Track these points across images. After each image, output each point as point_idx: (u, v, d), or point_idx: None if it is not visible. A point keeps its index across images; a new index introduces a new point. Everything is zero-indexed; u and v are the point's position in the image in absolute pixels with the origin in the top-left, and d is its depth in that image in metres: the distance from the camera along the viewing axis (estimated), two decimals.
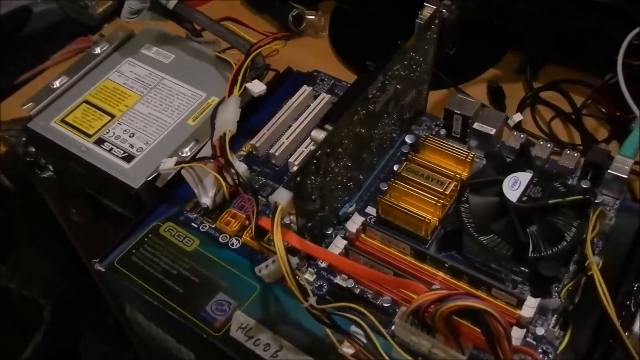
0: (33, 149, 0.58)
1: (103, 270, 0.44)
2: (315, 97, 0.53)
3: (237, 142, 0.50)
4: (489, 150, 0.46)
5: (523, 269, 0.40)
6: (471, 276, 0.40)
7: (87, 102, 0.54)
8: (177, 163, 0.44)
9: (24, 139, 0.58)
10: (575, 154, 0.45)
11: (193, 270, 0.44)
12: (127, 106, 0.53)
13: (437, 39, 0.46)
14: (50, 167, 0.57)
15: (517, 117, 0.55)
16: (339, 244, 0.42)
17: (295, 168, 0.37)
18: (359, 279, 0.40)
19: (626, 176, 0.42)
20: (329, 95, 0.53)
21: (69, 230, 0.64)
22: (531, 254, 0.39)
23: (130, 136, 0.51)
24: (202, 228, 0.46)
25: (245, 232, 0.45)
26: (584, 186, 0.42)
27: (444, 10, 0.44)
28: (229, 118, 0.44)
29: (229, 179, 0.44)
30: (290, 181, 0.37)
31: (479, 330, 0.34)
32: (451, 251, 0.43)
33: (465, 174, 0.45)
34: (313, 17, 0.70)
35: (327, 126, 0.38)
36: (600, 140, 0.58)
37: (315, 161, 0.37)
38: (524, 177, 0.41)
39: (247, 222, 0.45)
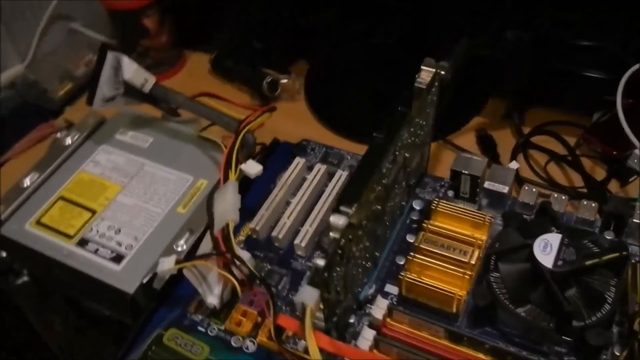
0: (4, 254, 0.53)
1: None
2: (310, 168, 0.50)
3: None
4: (505, 210, 0.44)
5: (567, 339, 0.37)
6: (515, 356, 0.37)
7: (62, 198, 0.50)
8: (178, 262, 0.40)
9: None
10: (593, 204, 0.43)
11: None
12: (108, 199, 0.49)
13: (437, 100, 0.44)
14: (26, 273, 0.52)
15: (514, 165, 0.53)
16: (367, 336, 0.38)
17: (318, 262, 0.33)
18: None
19: None
20: (325, 165, 0.50)
21: (52, 340, 0.58)
22: (576, 322, 0.36)
23: (116, 233, 0.47)
24: (211, 332, 0.42)
25: (260, 332, 0.41)
26: (614, 240, 0.40)
27: (442, 72, 0.42)
28: (229, 207, 0.40)
29: (236, 273, 0.40)
30: (315, 277, 0.33)
31: None
32: (485, 327, 0.40)
33: (484, 238, 0.42)
34: (286, 81, 0.68)
35: (344, 208, 0.35)
36: (600, 180, 0.57)
37: (340, 251, 0.34)
38: (554, 239, 0.38)
39: (259, 318, 0.42)
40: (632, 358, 0.35)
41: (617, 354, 0.37)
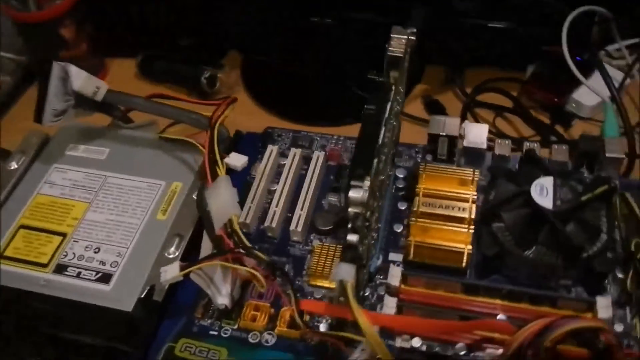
0: None
1: None
2: (283, 154, 0.49)
3: None
4: (484, 165, 0.45)
5: (573, 272, 0.39)
6: (532, 295, 0.38)
7: (23, 226, 0.46)
8: (182, 268, 0.38)
9: None
10: (564, 147, 0.46)
11: None
12: (76, 218, 0.46)
13: (408, 67, 0.45)
14: None
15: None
16: (390, 304, 0.38)
17: (351, 238, 0.33)
18: (428, 335, 0.37)
19: (623, 156, 0.44)
20: (299, 149, 0.49)
21: None
22: (582, 254, 0.38)
23: (95, 252, 0.43)
24: (224, 333, 0.40)
25: (278, 322, 0.40)
26: (598, 175, 0.43)
27: (412, 38, 0.42)
28: (227, 202, 0.39)
29: (249, 268, 0.38)
30: (349, 254, 0.33)
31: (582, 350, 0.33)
32: (492, 275, 0.41)
33: (474, 193, 0.44)
34: (221, 74, 0.66)
35: (355, 183, 0.35)
36: (548, 124, 0.60)
37: (367, 224, 0.34)
38: (547, 182, 0.40)
39: (272, 310, 0.40)
40: (638, 278, 0.38)
41: (621, 276, 0.39)
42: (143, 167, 0.48)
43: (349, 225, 0.34)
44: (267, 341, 0.40)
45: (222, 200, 0.39)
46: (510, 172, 0.44)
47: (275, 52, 0.69)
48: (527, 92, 0.62)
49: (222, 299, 0.39)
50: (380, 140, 0.37)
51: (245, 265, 0.38)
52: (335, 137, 0.51)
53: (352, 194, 0.34)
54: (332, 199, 0.47)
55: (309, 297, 0.42)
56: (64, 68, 0.45)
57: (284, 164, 0.48)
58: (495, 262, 0.41)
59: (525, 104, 0.62)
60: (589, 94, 0.58)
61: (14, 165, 0.49)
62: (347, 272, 0.32)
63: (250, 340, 0.40)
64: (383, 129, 0.38)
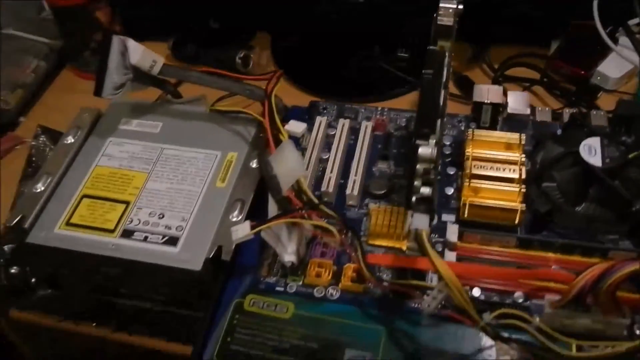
0: (14, 270, 0.49)
1: None
2: (330, 125, 0.51)
3: None
4: (535, 130, 0.48)
5: (622, 226, 0.42)
6: (584, 247, 0.41)
7: (86, 196, 0.47)
8: (252, 227, 0.40)
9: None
10: (602, 112, 0.48)
11: (305, 337, 0.40)
12: (137, 188, 0.47)
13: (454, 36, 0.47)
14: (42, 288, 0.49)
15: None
16: (449, 258, 0.41)
17: (424, 190, 0.35)
18: (496, 280, 0.39)
19: None
20: (347, 120, 0.51)
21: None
22: (630, 208, 0.41)
23: (160, 218, 0.45)
24: (290, 289, 0.42)
25: (342, 278, 0.42)
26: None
27: (460, 7, 0.44)
28: (293, 164, 0.41)
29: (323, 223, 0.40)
30: (422, 205, 0.35)
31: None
32: (542, 232, 0.43)
33: (522, 156, 0.46)
34: (253, 55, 0.68)
35: (419, 142, 0.37)
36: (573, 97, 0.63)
37: (439, 177, 0.36)
38: (594, 142, 0.43)
39: (334, 267, 0.42)
40: None
41: None
42: (197, 139, 0.50)
43: (419, 180, 0.36)
44: (331, 295, 0.42)
45: (288, 163, 0.41)
46: (555, 135, 0.46)
47: (303, 31, 0.71)
48: (553, 66, 0.64)
49: (289, 256, 0.41)
50: (441, 102, 0.39)
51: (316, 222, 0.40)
52: (379, 108, 0.53)
53: (422, 150, 0.36)
54: (382, 166, 0.49)
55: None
56: (123, 42, 0.46)
57: (333, 134, 0.50)
58: (546, 219, 0.43)
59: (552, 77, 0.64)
60: (614, 66, 0.60)
61: (70, 140, 0.51)
62: (422, 221, 0.34)
63: (316, 294, 0.42)
64: (443, 92, 0.40)
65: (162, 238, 0.44)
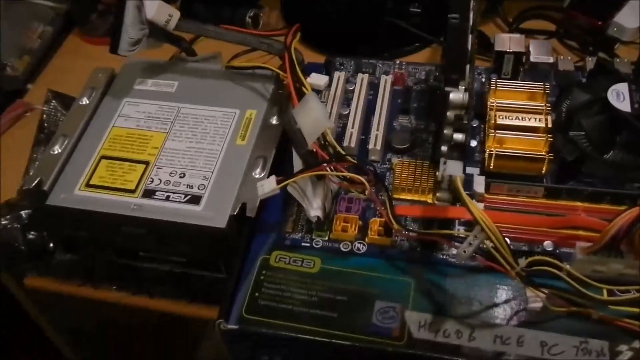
0: (32, 235, 0.49)
1: (235, 327, 0.38)
2: (348, 81, 0.51)
3: None
4: (560, 78, 0.47)
5: None
6: (613, 195, 0.40)
7: (104, 157, 0.47)
8: (278, 182, 0.39)
9: (17, 225, 0.50)
10: (625, 60, 0.47)
11: (334, 290, 0.40)
12: (156, 147, 0.47)
13: None
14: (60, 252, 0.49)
15: None
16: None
17: (457, 136, 0.34)
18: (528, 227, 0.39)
19: None
20: (365, 75, 0.50)
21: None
22: None
23: (181, 177, 0.45)
24: (316, 244, 0.42)
25: (369, 231, 0.41)
26: None
27: None
28: (319, 116, 0.40)
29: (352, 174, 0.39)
30: (454, 151, 0.34)
31: None
32: (570, 181, 0.43)
33: (548, 106, 0.45)
34: (262, 14, 0.67)
35: (449, 89, 0.36)
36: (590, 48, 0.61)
37: (469, 123, 0.35)
38: (622, 88, 0.42)
39: (360, 222, 0.42)
40: None
41: None
42: (214, 97, 0.49)
43: (450, 128, 0.35)
44: (358, 249, 0.41)
45: (313, 115, 0.40)
46: (581, 82, 0.45)
47: None
48: (568, 17, 0.63)
49: (315, 211, 0.41)
50: (469, 47, 0.38)
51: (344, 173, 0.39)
52: (398, 62, 0.52)
53: (453, 96, 0.35)
54: (403, 120, 0.48)
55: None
56: None
57: (351, 90, 0.49)
58: (573, 167, 0.42)
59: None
60: (631, 17, 0.59)
61: (85, 101, 0.50)
62: (456, 168, 0.34)
63: (342, 249, 0.41)
64: (470, 36, 0.39)
65: (185, 197, 0.44)
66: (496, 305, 0.38)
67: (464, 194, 0.33)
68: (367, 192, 0.38)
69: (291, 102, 0.42)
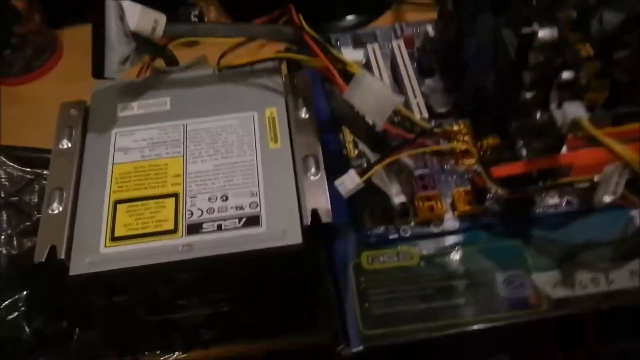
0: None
1: (360, 348, 0.33)
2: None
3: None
4: None
5: None
6: None
7: (119, 201, 0.39)
8: (360, 174, 0.34)
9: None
10: None
11: (445, 276, 0.36)
12: (177, 175, 0.40)
13: None
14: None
15: None
16: None
17: (565, 74, 0.31)
18: None
19: None
20: (375, 44, 0.46)
21: None
22: None
23: (223, 200, 0.38)
24: (404, 233, 0.38)
25: (457, 205, 0.38)
26: None
27: None
28: (382, 92, 0.35)
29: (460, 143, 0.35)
30: (566, 92, 0.32)
31: None
32: None
33: None
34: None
35: (527, 30, 0.33)
36: None
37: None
38: None
39: (442, 198, 0.38)
40: None
41: None
42: (220, 104, 0.43)
43: (529, 76, 0.32)
44: (452, 226, 0.38)
45: (375, 94, 0.35)
46: None
47: None
48: None
49: (399, 197, 0.37)
50: None
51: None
52: (396, 25, 0.49)
53: (542, 34, 0.32)
54: (430, 82, 0.45)
55: (464, 179, 0.40)
56: (119, 4, 0.38)
57: (365, 63, 0.45)
58: None
59: None
60: None
61: (65, 144, 0.41)
62: (576, 109, 0.31)
63: (434, 230, 0.38)
64: None
65: (240, 221, 0.37)
66: (617, 242, 0.36)
67: (599, 133, 0.30)
68: (475, 160, 0.34)
69: (337, 87, 0.37)
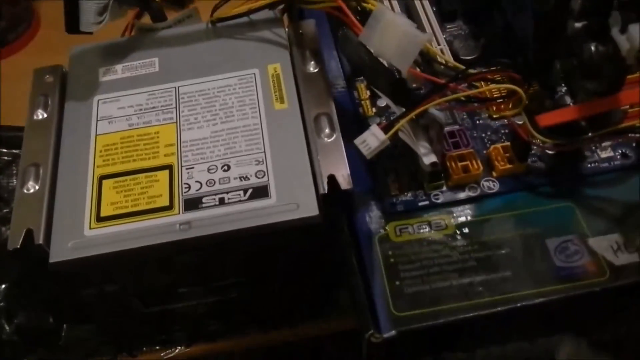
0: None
1: (394, 333, 0.28)
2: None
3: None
4: None
5: None
6: None
7: (104, 176, 0.34)
8: (386, 129, 0.29)
9: None
10: None
11: (487, 245, 0.31)
12: (171, 145, 0.35)
13: None
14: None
15: None
16: None
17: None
18: None
19: None
20: None
21: None
22: None
23: (225, 170, 0.33)
24: (436, 199, 0.33)
25: (496, 164, 0.33)
26: None
27: None
28: (406, 31, 0.30)
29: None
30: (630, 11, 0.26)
31: None
32: None
33: None
34: None
35: None
36: None
37: None
38: None
39: (476, 156, 0.33)
40: None
41: None
42: (216, 62, 0.37)
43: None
44: (490, 188, 0.33)
45: (398, 32, 0.30)
46: None
47: None
48: None
49: (429, 157, 0.31)
50: None
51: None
52: None
53: None
54: (452, 28, 0.40)
55: (500, 134, 0.35)
56: None
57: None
58: None
59: None
60: None
61: (41, 114, 0.36)
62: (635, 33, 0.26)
63: (470, 194, 0.33)
64: None
65: (245, 193, 0.32)
66: None
67: None
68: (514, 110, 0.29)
69: (352, 29, 0.32)
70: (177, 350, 0.36)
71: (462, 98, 0.29)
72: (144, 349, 0.36)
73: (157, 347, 0.37)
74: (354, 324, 0.32)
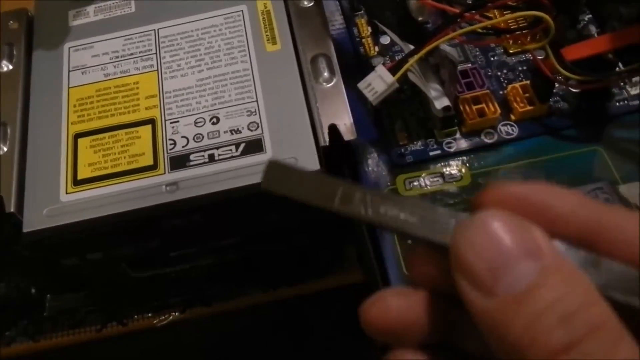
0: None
1: None
2: None
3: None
4: None
5: None
6: None
7: (79, 134, 0.30)
8: (393, 70, 0.26)
9: None
10: None
11: None
12: (152, 96, 0.31)
13: None
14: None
15: None
16: None
17: None
18: None
19: None
20: None
21: None
22: None
23: (214, 123, 0.30)
24: (449, 147, 0.29)
25: (514, 105, 0.29)
26: None
27: None
28: None
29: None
30: None
31: None
32: None
33: None
34: None
35: None
36: None
37: None
38: None
39: (492, 98, 0.30)
40: None
41: None
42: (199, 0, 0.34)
43: None
44: (508, 133, 0.30)
45: None
46: None
47: None
48: None
49: (441, 101, 0.28)
50: None
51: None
52: None
53: None
54: None
55: (517, 72, 0.31)
56: None
57: None
58: None
59: None
60: None
61: (6, 66, 0.33)
62: None
63: (487, 140, 0.29)
64: None
65: (237, 148, 0.29)
66: None
67: None
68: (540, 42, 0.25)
69: None
70: (170, 317, 0.34)
71: (480, 30, 0.26)
72: (135, 316, 0.34)
73: (150, 315, 0.34)
74: (362, 278, 0.29)
